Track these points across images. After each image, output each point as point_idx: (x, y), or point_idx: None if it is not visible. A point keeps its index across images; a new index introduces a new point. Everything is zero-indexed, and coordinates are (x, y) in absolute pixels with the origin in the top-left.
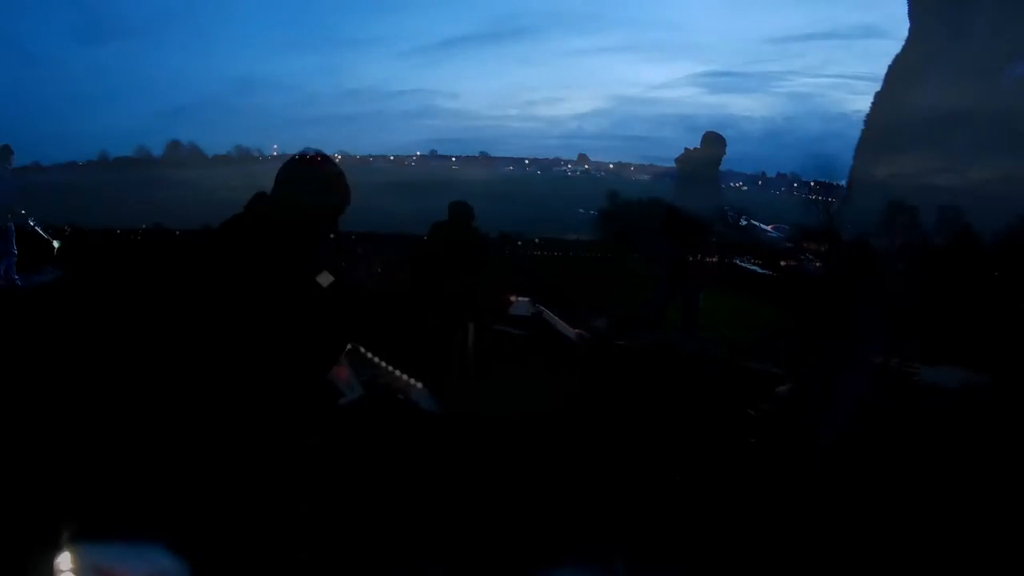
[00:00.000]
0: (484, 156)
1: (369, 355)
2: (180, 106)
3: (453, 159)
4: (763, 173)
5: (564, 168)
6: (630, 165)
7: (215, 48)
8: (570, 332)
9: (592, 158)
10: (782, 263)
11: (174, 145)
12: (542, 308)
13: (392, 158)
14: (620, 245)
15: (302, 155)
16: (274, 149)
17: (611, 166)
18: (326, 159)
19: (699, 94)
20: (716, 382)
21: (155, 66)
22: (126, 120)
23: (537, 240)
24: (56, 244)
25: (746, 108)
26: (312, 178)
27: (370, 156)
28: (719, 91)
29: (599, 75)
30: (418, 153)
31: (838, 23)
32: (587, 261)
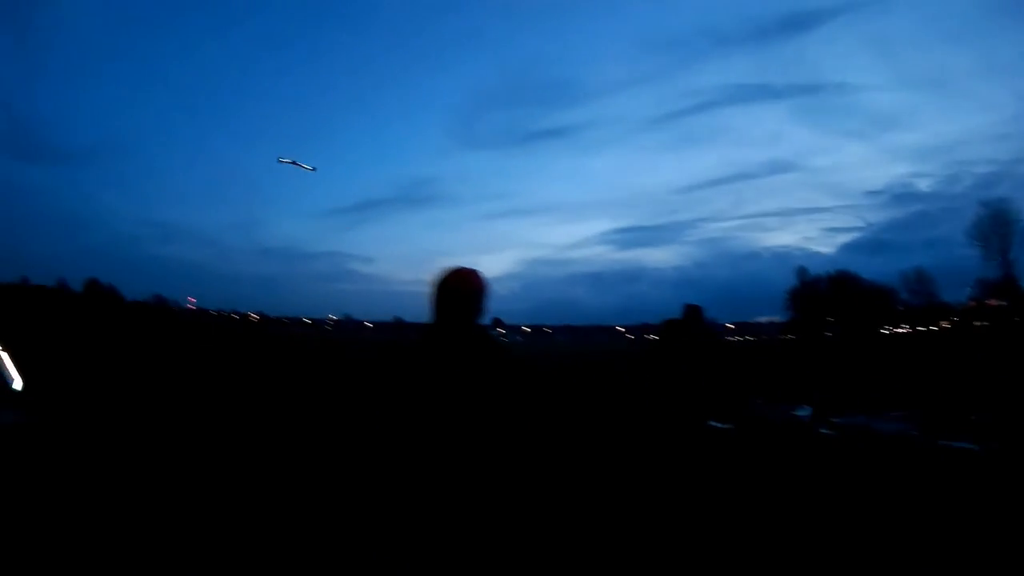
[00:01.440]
0: (398, 321)
1: None
2: (101, 244)
3: (369, 324)
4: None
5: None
6: (543, 327)
7: (140, 190)
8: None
9: (507, 321)
10: None
11: (93, 284)
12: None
13: (308, 321)
14: None
15: (459, 268)
16: (191, 301)
17: (526, 328)
18: (475, 271)
19: (610, 251)
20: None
21: (80, 197)
22: (48, 247)
23: None
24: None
25: (659, 260)
26: (471, 286)
27: (284, 318)
28: (630, 246)
29: (511, 238)
30: (333, 316)
31: (745, 164)
32: None
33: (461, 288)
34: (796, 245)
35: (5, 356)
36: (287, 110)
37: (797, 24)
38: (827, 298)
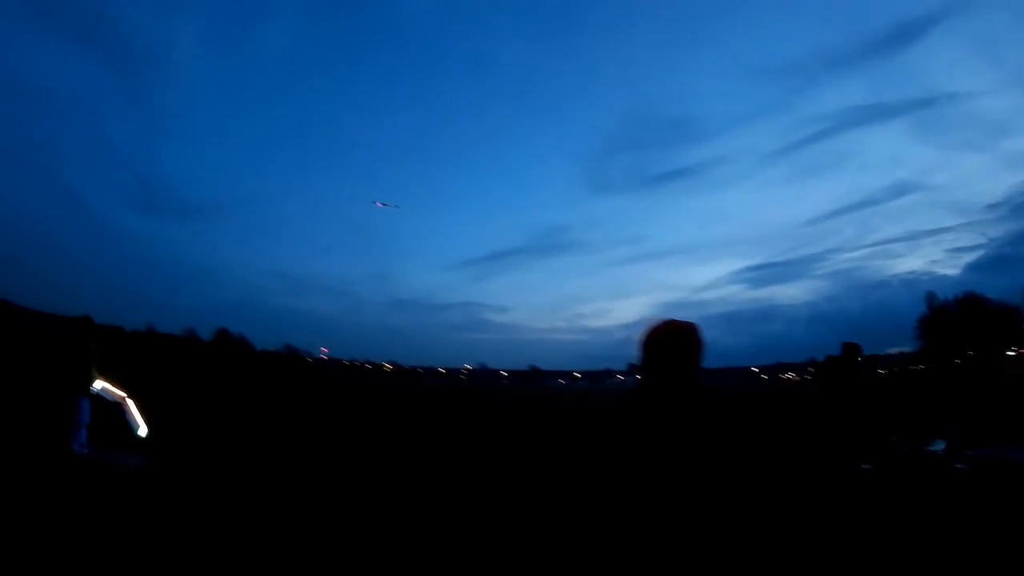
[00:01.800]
0: (534, 369)
1: None
2: (230, 296)
3: (503, 372)
4: (813, 359)
5: (615, 379)
6: None
7: (269, 244)
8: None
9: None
10: None
11: (223, 333)
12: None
13: (443, 370)
14: None
15: (673, 321)
16: (323, 352)
17: None
18: (691, 325)
19: (742, 291)
20: None
21: (210, 251)
22: (177, 298)
23: None
24: (140, 431)
25: (790, 296)
26: (687, 343)
27: (419, 367)
28: (762, 284)
29: (643, 282)
30: (467, 366)
31: (869, 189)
32: None
33: (675, 345)
34: (923, 270)
35: (132, 404)
36: (416, 163)
37: (903, 35)
38: (956, 323)
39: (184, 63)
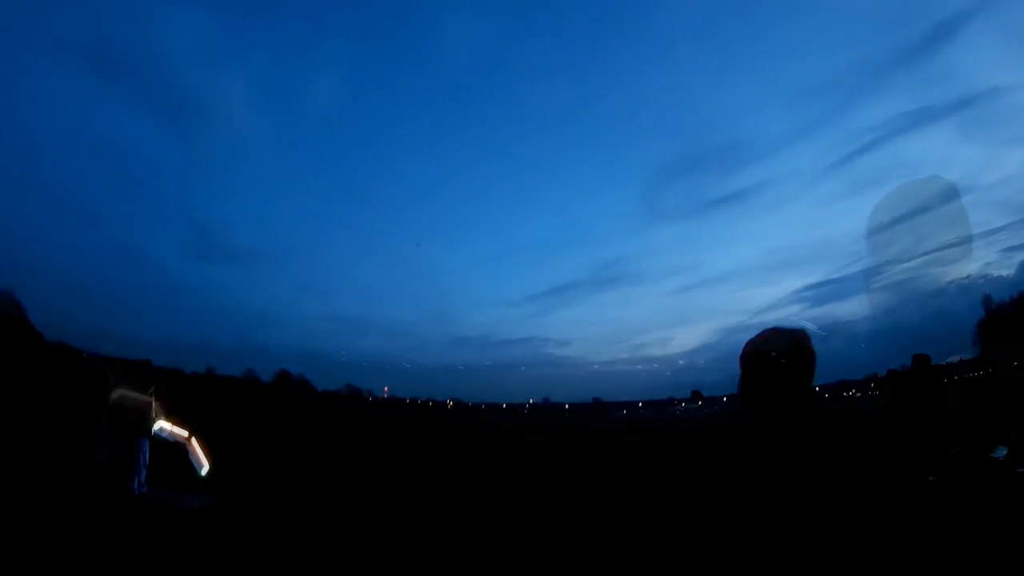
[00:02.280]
0: (597, 402)
1: None
2: (289, 339)
3: (567, 406)
4: (875, 374)
5: (677, 407)
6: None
7: (325, 289)
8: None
9: (705, 394)
10: None
11: (283, 375)
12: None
13: (505, 406)
14: None
15: (772, 329)
16: (384, 391)
17: (724, 399)
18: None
19: (803, 310)
20: None
21: (267, 296)
22: (234, 342)
23: None
24: (203, 472)
25: (850, 312)
26: (791, 350)
27: (483, 404)
28: (823, 302)
29: (703, 309)
30: (531, 400)
31: (920, 197)
32: None
33: (780, 359)
34: (979, 273)
35: (195, 444)
36: (471, 204)
37: (937, 37)
38: (1013, 324)
39: (236, 114)
